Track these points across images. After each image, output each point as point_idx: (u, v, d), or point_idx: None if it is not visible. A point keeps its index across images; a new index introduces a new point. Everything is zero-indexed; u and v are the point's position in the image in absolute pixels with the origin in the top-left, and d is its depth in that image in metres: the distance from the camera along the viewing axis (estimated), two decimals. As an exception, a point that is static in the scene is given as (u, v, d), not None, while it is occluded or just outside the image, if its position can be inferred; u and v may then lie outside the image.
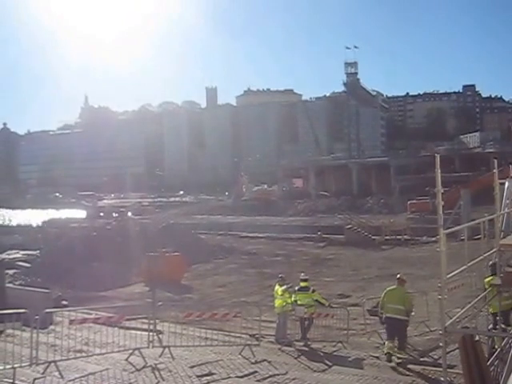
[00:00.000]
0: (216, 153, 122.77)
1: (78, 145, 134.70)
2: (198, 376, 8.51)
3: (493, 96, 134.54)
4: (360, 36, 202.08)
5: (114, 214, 52.16)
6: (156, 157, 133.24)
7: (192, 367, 9.03)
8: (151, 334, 10.05)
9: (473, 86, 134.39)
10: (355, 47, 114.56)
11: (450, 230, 6.06)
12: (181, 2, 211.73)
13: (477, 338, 6.06)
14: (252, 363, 9.60)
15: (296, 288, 12.38)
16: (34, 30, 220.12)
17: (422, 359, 10.57)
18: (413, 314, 10.56)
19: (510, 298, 8.86)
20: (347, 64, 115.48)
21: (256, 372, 9.02)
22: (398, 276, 10.59)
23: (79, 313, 10.40)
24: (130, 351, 9.53)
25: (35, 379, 7.74)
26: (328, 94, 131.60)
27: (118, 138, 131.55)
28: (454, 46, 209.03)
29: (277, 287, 12.43)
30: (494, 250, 7.69)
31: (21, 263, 26.54)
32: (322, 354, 11.02)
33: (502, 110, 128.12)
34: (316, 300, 12.33)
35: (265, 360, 9.81)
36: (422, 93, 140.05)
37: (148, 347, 9.81)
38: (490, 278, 8.66)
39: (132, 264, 24.16)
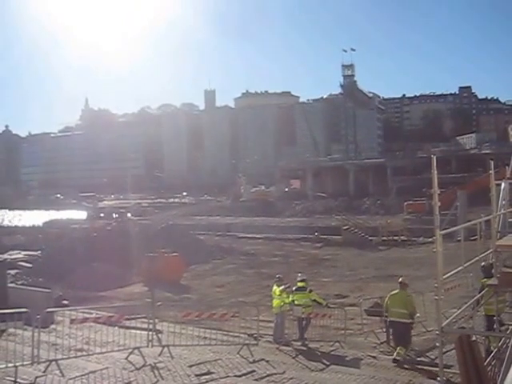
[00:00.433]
0: (214, 154, 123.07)
1: (78, 147, 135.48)
2: (196, 375, 8.57)
3: (489, 97, 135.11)
4: (357, 38, 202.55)
5: (114, 215, 52.20)
6: (155, 158, 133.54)
7: (191, 366, 9.09)
8: (150, 333, 10.09)
9: (469, 87, 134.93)
10: (352, 49, 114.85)
11: (446, 231, 6.10)
12: (180, 6, 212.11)
13: (473, 338, 6.13)
14: (250, 362, 9.67)
15: (294, 288, 12.49)
16: (36, 34, 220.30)
17: (418, 359, 10.65)
18: (418, 315, 10.64)
19: (502, 302, 8.98)
20: (344, 66, 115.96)
21: (254, 371, 9.09)
22: (400, 280, 10.77)
23: (80, 312, 10.44)
24: (130, 350, 9.58)
25: (37, 377, 7.77)
26: (325, 96, 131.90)
27: (118, 139, 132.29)
28: (450, 48, 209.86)
29: (275, 287, 12.51)
30: (491, 250, 7.75)
31: (22, 263, 26.58)
32: (319, 353, 11.11)
33: (498, 111, 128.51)
34: (314, 300, 12.44)
35: (263, 359, 9.88)
36: (418, 94, 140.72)
37: (147, 346, 9.86)
38: (485, 279, 8.82)
39: (132, 264, 24.22)
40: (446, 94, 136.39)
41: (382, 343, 12.10)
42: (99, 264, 23.77)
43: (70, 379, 7.89)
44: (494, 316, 8.76)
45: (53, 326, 10.86)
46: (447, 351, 7.65)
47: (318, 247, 35.30)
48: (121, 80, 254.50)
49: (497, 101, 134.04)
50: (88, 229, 34.49)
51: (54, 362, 8.46)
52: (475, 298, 8.22)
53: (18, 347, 8.47)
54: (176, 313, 12.41)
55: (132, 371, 8.61)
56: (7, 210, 69.67)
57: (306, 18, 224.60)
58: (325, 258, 30.62)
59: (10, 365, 7.97)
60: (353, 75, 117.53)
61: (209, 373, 8.76)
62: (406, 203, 46.08)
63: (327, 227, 40.23)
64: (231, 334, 11.96)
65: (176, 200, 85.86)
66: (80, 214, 62.12)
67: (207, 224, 46.77)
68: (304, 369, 9.71)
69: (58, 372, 8.23)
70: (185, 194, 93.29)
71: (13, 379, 7.61)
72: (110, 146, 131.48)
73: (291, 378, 8.65)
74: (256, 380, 8.68)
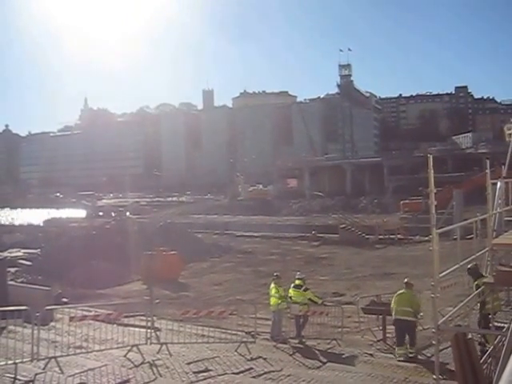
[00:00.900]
0: (212, 153, 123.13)
1: (77, 146, 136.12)
2: (194, 372, 8.62)
3: (485, 97, 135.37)
4: (354, 38, 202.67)
5: (113, 214, 52.25)
6: (154, 157, 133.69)
7: (189, 364, 9.13)
8: (149, 331, 10.12)
9: (465, 87, 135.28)
10: (349, 49, 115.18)
11: (442, 230, 6.15)
12: (178, 6, 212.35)
13: (469, 335, 6.20)
14: (248, 360, 9.71)
15: (291, 285, 12.58)
16: (35, 34, 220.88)
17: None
18: (421, 314, 10.78)
19: (496, 300, 9.09)
20: (341, 66, 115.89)
21: (251, 368, 9.14)
22: (406, 280, 11.04)
23: (79, 310, 10.43)
24: (129, 348, 9.62)
25: (36, 374, 7.80)
26: (322, 96, 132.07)
27: (116, 139, 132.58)
28: (446, 48, 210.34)
29: (272, 285, 12.58)
30: (487, 249, 7.83)
31: (22, 261, 26.63)
32: (316, 351, 11.16)
33: (494, 110, 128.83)
34: (309, 299, 12.52)
35: (260, 357, 9.93)
36: (414, 94, 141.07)
37: (146, 344, 9.89)
38: (478, 280, 8.96)
39: (130, 262, 24.28)
40: (443, 94, 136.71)
41: (378, 341, 12.18)
42: (98, 262, 23.80)
43: (70, 376, 7.91)
44: (489, 314, 8.87)
45: (52, 324, 10.87)
46: (443, 349, 7.74)
47: (315, 246, 35.38)
48: (120, 80, 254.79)
49: (493, 100, 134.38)
50: (87, 227, 34.49)
51: (53, 359, 8.49)
52: (471, 297, 8.30)
53: (18, 344, 8.51)
54: (174, 311, 12.49)
55: (130, 368, 8.65)
56: (7, 209, 69.63)
57: (303, 19, 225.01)
58: (322, 257, 30.71)
59: (9, 362, 8.00)
60: (350, 75, 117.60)
61: (207, 370, 8.80)
62: (402, 202, 46.22)
63: (324, 226, 40.37)
64: (229, 331, 12.00)
65: (174, 199, 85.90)
66: (79, 213, 62.17)
67: (205, 222, 46.89)
68: (301, 366, 9.76)
69: (57, 369, 8.26)
70: (188, 193, 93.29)
71: (12, 376, 7.63)
72: (108, 146, 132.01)
73: (288, 376, 8.69)
74: (253, 377, 8.73)
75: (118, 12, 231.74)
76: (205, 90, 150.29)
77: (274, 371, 8.99)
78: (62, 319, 10.65)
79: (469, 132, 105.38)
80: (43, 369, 8.20)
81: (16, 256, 27.87)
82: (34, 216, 55.80)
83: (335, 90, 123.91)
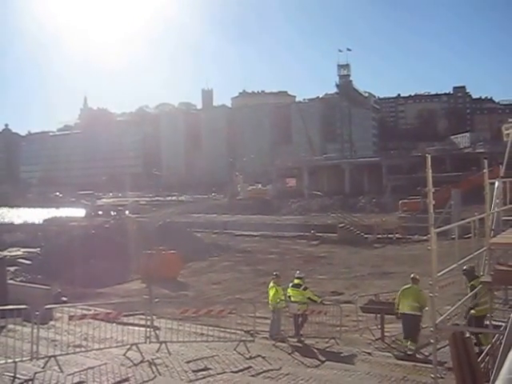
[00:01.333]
0: (212, 153, 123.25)
1: (77, 145, 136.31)
2: (193, 371, 8.63)
3: (483, 97, 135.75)
4: (352, 38, 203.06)
5: (112, 213, 52.26)
6: (153, 157, 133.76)
7: (188, 362, 9.15)
8: (148, 329, 10.14)
9: (463, 87, 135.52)
10: (348, 49, 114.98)
11: (440, 229, 6.15)
12: (177, 6, 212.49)
13: (467, 334, 6.22)
14: (247, 359, 9.74)
15: (290, 284, 12.61)
16: (35, 34, 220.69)
17: (409, 354, 10.78)
18: (426, 309, 10.88)
19: (486, 303, 9.15)
20: (340, 66, 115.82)
21: (250, 367, 9.16)
22: (412, 276, 11.19)
23: (78, 309, 10.41)
24: (128, 346, 9.65)
25: (36, 373, 7.81)
26: (321, 96, 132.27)
27: (116, 138, 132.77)
28: (444, 48, 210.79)
29: (271, 284, 12.61)
30: (484, 248, 7.85)
31: (22, 260, 26.64)
32: (315, 349, 11.19)
33: (491, 110, 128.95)
34: (308, 298, 12.55)
35: (259, 355, 9.96)
36: (413, 94, 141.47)
37: (145, 343, 9.91)
38: (473, 281, 9.04)
39: (129, 261, 24.30)
40: (441, 94, 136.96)
41: (376, 340, 12.21)
42: (97, 261, 23.79)
43: (69, 375, 7.92)
44: (484, 316, 8.93)
45: (52, 323, 10.87)
46: (441, 348, 7.78)
47: (313, 245, 35.43)
48: (119, 79, 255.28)
49: (491, 100, 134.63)
50: (87, 226, 34.51)
51: (52, 358, 8.50)
52: (469, 296, 8.34)
53: (18, 343, 8.52)
54: (173, 309, 12.49)
55: (130, 367, 8.66)
56: (7, 208, 69.59)
57: (302, 19, 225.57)
58: (320, 256, 30.74)
59: (9, 361, 8.02)
60: (348, 75, 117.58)
61: (206, 369, 8.82)
62: (400, 201, 46.27)
63: (323, 225, 40.42)
64: (228, 330, 12.01)
65: (173, 198, 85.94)
66: (79, 212, 62.14)
67: (204, 222, 46.96)
68: (300, 365, 9.79)
69: (56, 368, 8.27)
70: (191, 193, 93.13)
71: (12, 375, 7.64)
72: (108, 145, 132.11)
73: (287, 374, 8.71)
74: (252, 376, 8.74)
75: (117, 12, 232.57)
76: (204, 90, 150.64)
77: (272, 370, 9.02)
78: (62, 318, 10.66)
79: (467, 132, 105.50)
80: (43, 367, 8.21)
81: (15, 255, 27.91)
82: (33, 215, 55.76)
83: (334, 90, 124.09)
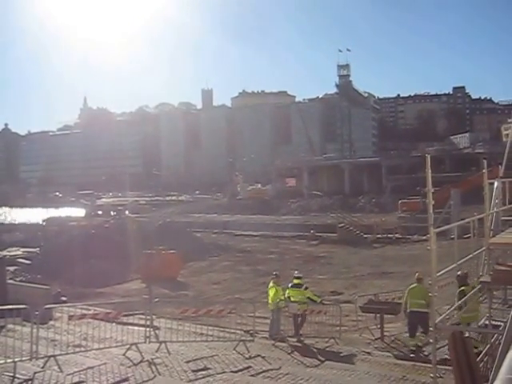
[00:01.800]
0: (212, 153, 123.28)
1: (77, 145, 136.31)
2: (193, 371, 8.63)
3: (482, 98, 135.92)
4: (352, 39, 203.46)
5: (112, 213, 52.21)
6: (153, 157, 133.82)
7: (188, 362, 9.16)
8: (148, 329, 10.14)
9: (463, 87, 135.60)
10: (348, 50, 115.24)
11: (440, 229, 6.16)
12: (177, 6, 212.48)
13: (466, 334, 6.23)
14: (246, 358, 9.74)
15: (289, 285, 12.61)
16: (35, 33, 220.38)
17: (412, 355, 10.80)
18: None
19: (475, 311, 9.19)
20: (340, 66, 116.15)
21: (250, 367, 9.16)
22: (417, 275, 11.36)
23: (78, 309, 10.41)
24: (128, 346, 9.65)
25: (35, 373, 7.81)
26: (321, 96, 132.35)
27: (116, 138, 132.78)
28: (444, 49, 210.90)
29: (271, 284, 12.62)
30: (484, 248, 7.86)
31: (21, 260, 26.67)
32: (314, 349, 11.21)
33: (491, 111, 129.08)
34: (308, 297, 12.56)
35: (259, 355, 9.97)
36: (412, 94, 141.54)
37: (145, 342, 9.91)
38: (463, 288, 9.15)
39: (129, 261, 24.28)
40: (440, 94, 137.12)
41: (376, 339, 12.23)
42: (97, 261, 23.80)
43: (69, 375, 7.92)
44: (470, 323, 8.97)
45: (51, 322, 10.86)
46: (441, 347, 7.79)
47: (313, 245, 35.44)
48: (119, 79, 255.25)
49: (490, 101, 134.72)
50: (86, 226, 34.49)
51: (52, 358, 8.50)
52: (468, 295, 8.34)
53: (17, 343, 8.52)
54: (173, 309, 12.51)
55: (129, 367, 8.66)
56: (6, 208, 69.58)
57: (302, 19, 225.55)
58: (320, 256, 30.74)
59: (8, 360, 8.02)
60: (348, 75, 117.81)
61: (205, 368, 8.82)
62: (400, 201, 46.25)
63: (322, 225, 40.43)
64: (227, 330, 12.02)
65: (173, 198, 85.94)
66: (78, 212, 62.07)
67: (204, 222, 46.96)
68: (299, 365, 9.80)
69: (56, 368, 8.27)
70: (197, 192, 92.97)
71: (11, 375, 7.64)
72: (108, 145, 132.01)
73: (287, 374, 8.71)
74: (252, 376, 8.75)
75: (117, 12, 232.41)
76: (204, 90, 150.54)
77: (272, 369, 9.03)
78: (61, 318, 10.66)
79: (466, 132, 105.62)
80: (42, 367, 8.21)
81: (15, 255, 27.94)
82: (33, 215, 55.70)
83: (334, 90, 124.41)
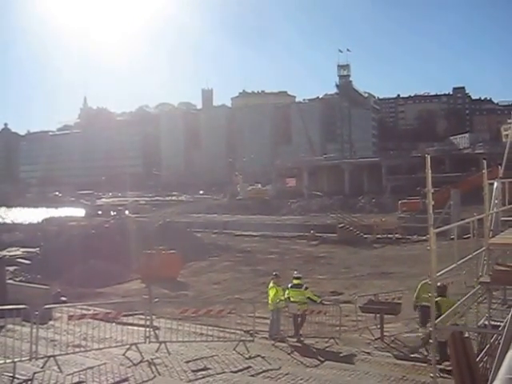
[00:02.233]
0: (212, 153, 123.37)
1: (77, 145, 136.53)
2: (193, 371, 8.64)
3: (482, 98, 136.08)
4: (352, 39, 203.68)
5: (112, 213, 52.24)
6: (153, 157, 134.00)
7: (187, 362, 9.16)
8: (148, 329, 10.14)
9: (463, 88, 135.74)
10: (348, 50, 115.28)
11: (440, 229, 6.15)
12: (177, 6, 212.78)
13: (466, 334, 6.23)
14: (246, 358, 9.75)
15: (289, 285, 12.60)
16: (35, 33, 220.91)
17: (412, 355, 10.81)
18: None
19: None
20: (340, 66, 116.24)
21: (250, 367, 9.16)
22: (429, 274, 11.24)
23: (78, 309, 10.41)
24: (128, 346, 9.65)
25: (35, 373, 7.81)
26: (321, 96, 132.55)
27: (116, 138, 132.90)
28: (444, 49, 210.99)
29: (271, 284, 12.61)
30: (483, 248, 7.86)
31: (21, 260, 26.63)
32: (314, 349, 11.21)
33: (491, 111, 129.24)
34: (308, 297, 12.56)
35: (259, 355, 9.97)
36: (412, 95, 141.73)
37: (145, 342, 9.91)
38: (439, 298, 9.20)
39: (129, 261, 24.25)
40: (440, 95, 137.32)
41: (376, 339, 12.24)
42: (97, 261, 23.80)
43: (68, 375, 7.91)
44: None
45: (51, 322, 10.84)
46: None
47: (313, 245, 35.43)
48: (119, 79, 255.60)
49: (490, 101, 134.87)
50: (86, 226, 34.51)
51: (52, 358, 8.50)
52: (468, 295, 8.33)
53: (17, 343, 8.53)
54: (173, 309, 12.50)
55: (129, 367, 8.66)
56: (6, 208, 69.62)
57: (302, 19, 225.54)
58: (320, 256, 30.73)
59: (8, 361, 8.01)
60: (348, 75, 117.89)
61: (205, 369, 8.82)
62: (400, 202, 46.29)
63: (323, 225, 40.43)
64: (227, 330, 12.01)
65: (173, 198, 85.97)
66: (78, 212, 62.18)
67: (204, 222, 46.97)
68: (299, 365, 9.80)
69: (55, 368, 8.27)
70: (201, 192, 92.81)
71: (11, 375, 7.64)
72: (108, 145, 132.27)
73: (286, 374, 8.72)
74: (252, 376, 8.75)
75: (117, 11, 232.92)
76: (204, 90, 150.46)
77: (272, 370, 9.03)
78: (61, 318, 10.63)
79: (466, 132, 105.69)
80: (42, 367, 8.20)
81: (15, 255, 27.93)
82: (33, 215, 55.74)
83: (334, 90, 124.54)
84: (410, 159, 66.31)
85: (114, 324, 10.55)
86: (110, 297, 18.48)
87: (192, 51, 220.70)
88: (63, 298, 14.76)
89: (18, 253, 28.80)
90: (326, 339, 12.24)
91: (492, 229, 8.66)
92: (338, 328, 12.84)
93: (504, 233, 8.94)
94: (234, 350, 10.36)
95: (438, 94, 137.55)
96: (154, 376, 8.26)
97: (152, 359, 9.13)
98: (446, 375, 7.78)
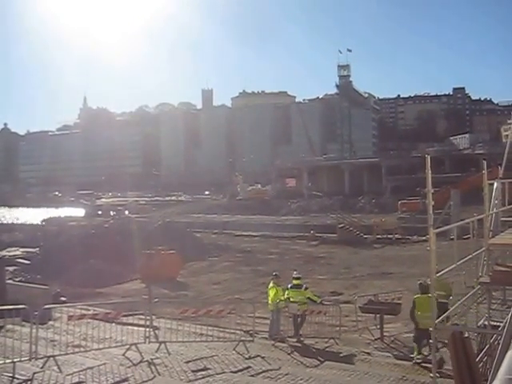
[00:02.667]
0: (212, 153, 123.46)
1: (76, 145, 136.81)
2: (193, 371, 8.64)
3: (482, 98, 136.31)
4: (353, 39, 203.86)
5: (112, 213, 52.25)
6: (153, 157, 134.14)
7: (187, 362, 9.16)
8: (148, 329, 10.14)
9: (463, 88, 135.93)
10: (348, 50, 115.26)
11: (439, 230, 6.14)
12: (177, 6, 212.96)
13: (466, 334, 6.23)
14: (246, 359, 9.75)
15: (289, 286, 12.60)
16: (35, 33, 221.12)
17: (412, 355, 10.80)
18: (451, 298, 10.99)
19: (429, 318, 9.21)
20: (340, 67, 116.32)
21: (250, 367, 9.17)
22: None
23: (77, 309, 10.41)
24: (127, 346, 9.66)
25: (34, 373, 7.81)
26: (321, 96, 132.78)
27: (116, 138, 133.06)
28: (444, 49, 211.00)
29: (271, 284, 12.61)
30: (483, 249, 7.86)
31: (21, 260, 26.64)
32: (314, 349, 11.22)
33: (491, 112, 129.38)
34: (308, 298, 12.55)
35: (258, 355, 9.98)
36: (412, 95, 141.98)
37: (144, 343, 9.92)
38: (419, 295, 9.73)
39: (129, 261, 24.23)
40: (440, 95, 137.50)
41: (376, 340, 12.24)
42: (97, 261, 23.80)
43: (68, 375, 7.92)
44: (427, 330, 8.97)
45: (51, 323, 10.85)
46: (440, 347, 7.80)
47: (313, 245, 35.43)
48: (119, 79, 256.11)
49: (490, 102, 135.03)
50: (86, 226, 34.52)
51: (51, 358, 8.50)
52: (468, 295, 8.33)
53: (16, 343, 8.55)
54: (173, 309, 12.51)
55: (129, 367, 8.67)
56: (6, 208, 69.66)
57: (302, 19, 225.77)
58: (320, 256, 30.72)
59: (8, 361, 8.02)
60: (348, 75, 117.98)
61: (205, 369, 8.83)
62: (400, 202, 46.30)
63: (322, 225, 40.43)
64: (227, 330, 12.02)
65: (173, 198, 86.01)
66: (78, 212, 62.21)
67: (204, 222, 46.98)
68: (299, 365, 9.81)
69: (55, 368, 8.27)
70: (206, 192, 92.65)
71: (11, 375, 7.64)
72: (108, 145, 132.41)
73: (286, 374, 8.72)
74: (252, 376, 8.76)
75: (117, 11, 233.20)
76: (204, 90, 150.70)
77: (272, 370, 9.04)
78: (61, 318, 10.63)
79: (466, 133, 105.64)
80: (41, 368, 8.20)
81: (15, 255, 27.95)
82: (33, 215, 55.76)
83: (334, 91, 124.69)
84: (410, 159, 66.31)
85: (113, 324, 10.55)
86: (109, 297, 18.47)
87: (192, 51, 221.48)
88: (63, 298, 14.74)
89: (17, 253, 28.83)
90: (326, 339, 12.24)
91: (492, 229, 8.65)
92: (337, 328, 12.84)
93: (504, 233, 8.94)
94: (234, 350, 10.36)
95: (438, 94, 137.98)
96: (154, 376, 8.26)
97: (152, 359, 9.13)
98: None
